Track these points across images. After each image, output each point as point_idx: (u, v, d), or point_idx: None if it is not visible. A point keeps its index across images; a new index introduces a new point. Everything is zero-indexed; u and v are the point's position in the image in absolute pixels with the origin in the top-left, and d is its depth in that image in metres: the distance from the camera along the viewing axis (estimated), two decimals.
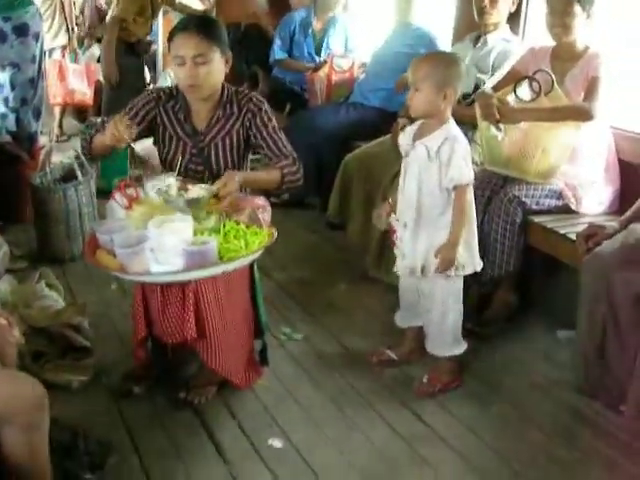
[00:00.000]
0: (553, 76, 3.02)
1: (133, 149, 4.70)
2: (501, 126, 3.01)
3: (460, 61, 2.51)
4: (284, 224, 3.15)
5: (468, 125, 3.20)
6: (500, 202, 2.97)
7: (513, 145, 3.05)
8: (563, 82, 3.06)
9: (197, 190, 2.34)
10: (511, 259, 2.98)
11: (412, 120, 3.56)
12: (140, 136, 2.59)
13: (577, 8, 2.97)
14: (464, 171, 2.42)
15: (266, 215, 2.43)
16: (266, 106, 2.62)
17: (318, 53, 5.07)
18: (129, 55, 5.20)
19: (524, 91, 3.02)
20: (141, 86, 5.13)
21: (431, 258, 2.52)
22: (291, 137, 2.71)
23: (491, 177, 3.13)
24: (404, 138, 2.59)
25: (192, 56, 2.42)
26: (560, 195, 3.08)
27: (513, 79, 3.13)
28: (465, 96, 3.40)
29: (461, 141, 2.45)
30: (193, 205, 2.29)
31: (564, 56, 3.11)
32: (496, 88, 3.18)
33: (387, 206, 2.67)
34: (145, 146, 4.02)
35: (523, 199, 2.98)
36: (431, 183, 2.47)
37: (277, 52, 5.09)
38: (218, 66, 2.50)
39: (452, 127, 2.46)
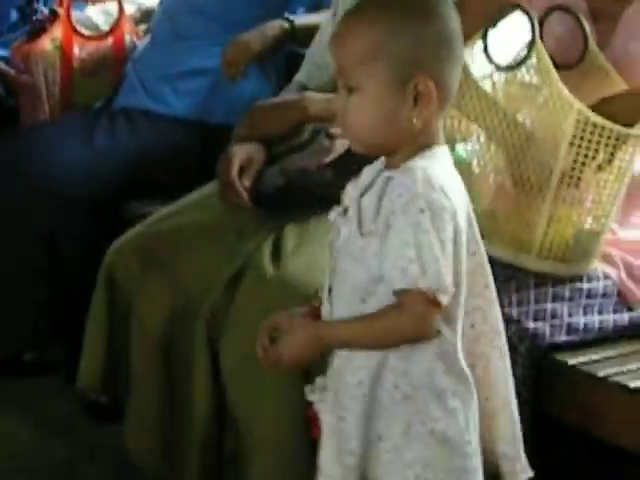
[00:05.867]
0: (586, 24, 1.47)
1: None
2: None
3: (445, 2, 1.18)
4: None
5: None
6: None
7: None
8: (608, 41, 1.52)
9: None
10: None
11: (266, 148, 1.84)
12: None
13: None
14: (411, 259, 1.09)
15: None
16: None
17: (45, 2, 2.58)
18: None
19: (506, 42, 1.43)
20: None
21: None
22: None
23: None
24: (351, 191, 1.24)
25: None
26: (606, 291, 1.57)
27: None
28: None
29: (422, 187, 1.09)
30: None
31: None
32: None
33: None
34: None
35: (528, 322, 1.46)
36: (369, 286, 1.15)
37: None
38: None
39: (421, 160, 1.12)
